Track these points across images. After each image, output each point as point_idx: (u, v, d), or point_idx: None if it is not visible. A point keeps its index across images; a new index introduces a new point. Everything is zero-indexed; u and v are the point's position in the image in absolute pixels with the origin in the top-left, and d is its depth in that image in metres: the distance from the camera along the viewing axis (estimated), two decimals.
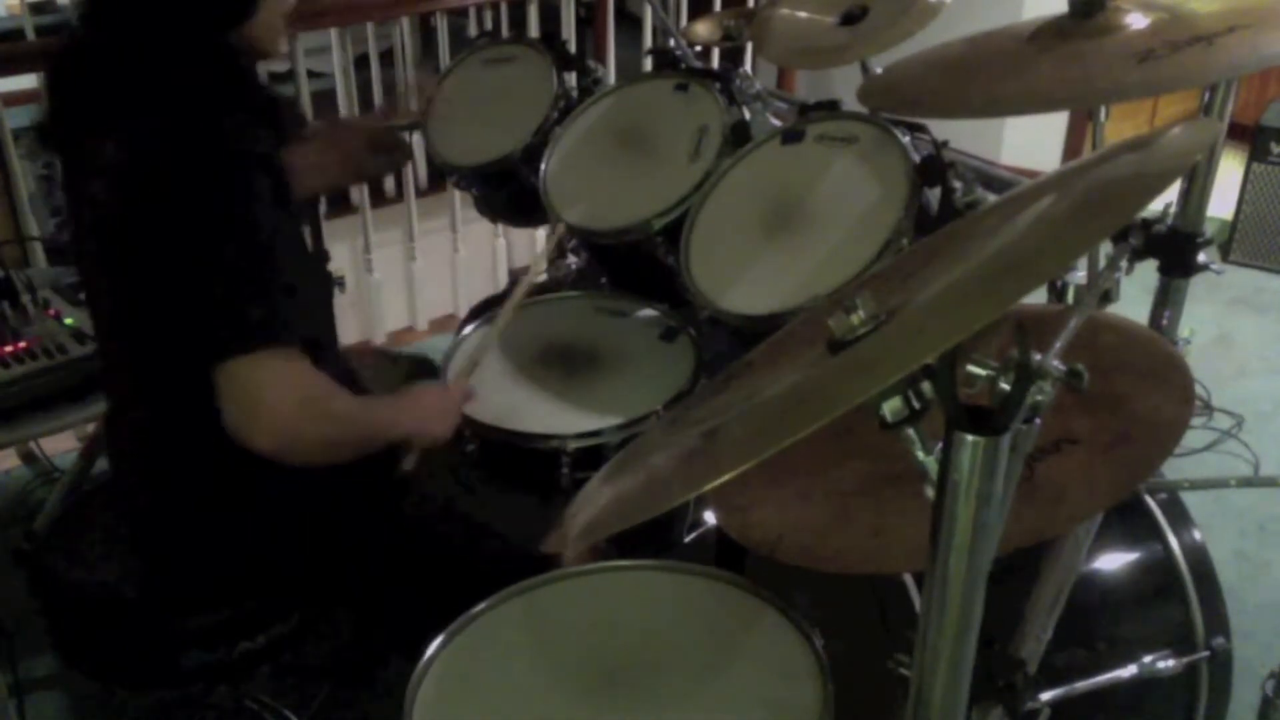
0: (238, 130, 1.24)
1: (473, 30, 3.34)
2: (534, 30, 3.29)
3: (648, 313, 1.80)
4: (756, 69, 3.57)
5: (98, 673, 1.48)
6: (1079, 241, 0.71)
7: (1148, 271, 1.39)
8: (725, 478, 0.67)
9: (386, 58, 3.28)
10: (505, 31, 3.30)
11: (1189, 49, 1.11)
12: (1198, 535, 1.37)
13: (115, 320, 1.39)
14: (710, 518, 1.70)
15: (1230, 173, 3.61)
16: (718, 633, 1.16)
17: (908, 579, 1.26)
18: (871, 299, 0.76)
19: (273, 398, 1.21)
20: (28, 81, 2.76)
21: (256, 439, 1.21)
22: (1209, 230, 1.38)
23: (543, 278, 1.65)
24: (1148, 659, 1.28)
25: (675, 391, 1.58)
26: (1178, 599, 1.34)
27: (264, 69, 1.66)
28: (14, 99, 2.77)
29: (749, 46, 3.38)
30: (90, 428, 2.29)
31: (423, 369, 1.82)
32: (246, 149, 1.24)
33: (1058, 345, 0.87)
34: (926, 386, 0.70)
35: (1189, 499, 1.41)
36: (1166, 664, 1.28)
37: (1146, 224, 1.32)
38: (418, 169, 3.28)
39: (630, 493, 0.90)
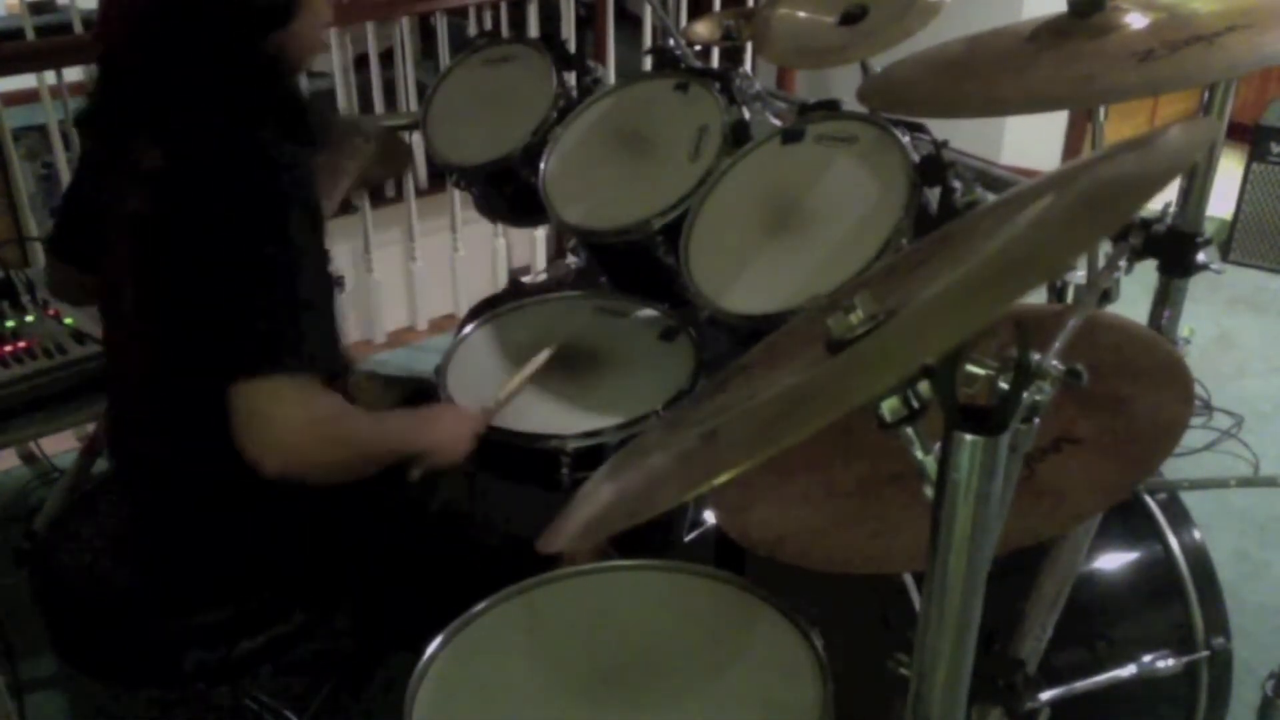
0: (274, 144, 1.26)
1: (473, 30, 3.34)
2: (534, 30, 3.29)
3: (648, 313, 1.80)
4: (756, 69, 3.56)
5: (98, 673, 1.47)
6: (1078, 241, 0.71)
7: (1148, 271, 1.39)
8: (724, 479, 0.67)
9: (386, 58, 3.28)
10: (505, 31, 3.30)
11: (1189, 49, 1.11)
12: (1198, 535, 1.37)
13: (136, 323, 1.38)
14: (710, 518, 1.70)
15: (1230, 173, 3.61)
16: (718, 633, 1.16)
17: (908, 579, 1.26)
18: (870, 299, 0.76)
19: (283, 423, 1.21)
20: (28, 81, 2.76)
21: (265, 462, 1.21)
22: (1209, 230, 1.38)
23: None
24: (1148, 659, 1.27)
25: (675, 391, 1.58)
26: (1178, 599, 1.34)
27: None
28: (14, 99, 2.77)
29: (749, 46, 3.38)
30: (90, 428, 2.29)
31: (419, 391, 1.81)
32: (282, 164, 1.25)
33: (1057, 345, 0.87)
34: (925, 386, 0.70)
35: (1189, 499, 1.41)
36: (1166, 664, 1.27)
37: (1146, 224, 1.32)
38: (418, 169, 3.28)
39: (629, 493, 0.90)
